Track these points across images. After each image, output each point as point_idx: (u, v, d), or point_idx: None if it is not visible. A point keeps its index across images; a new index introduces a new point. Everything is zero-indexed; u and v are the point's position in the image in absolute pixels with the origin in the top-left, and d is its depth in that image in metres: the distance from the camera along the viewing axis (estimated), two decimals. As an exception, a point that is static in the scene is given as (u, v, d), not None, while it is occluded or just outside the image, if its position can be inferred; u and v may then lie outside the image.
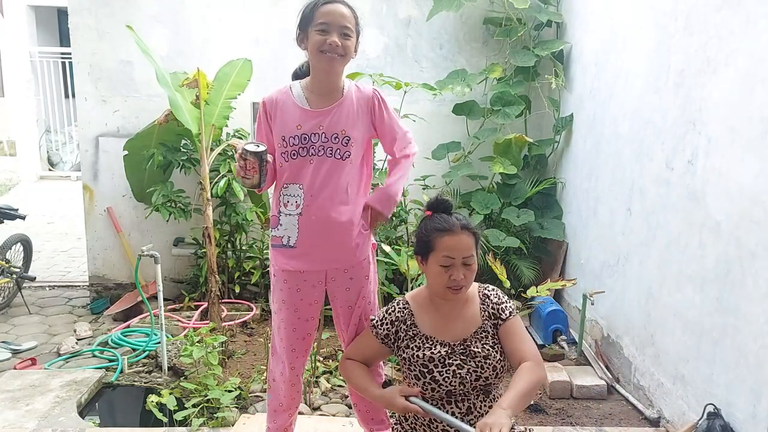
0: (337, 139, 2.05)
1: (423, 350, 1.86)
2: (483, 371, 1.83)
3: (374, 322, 1.99)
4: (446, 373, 1.82)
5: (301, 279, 2.15)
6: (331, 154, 2.05)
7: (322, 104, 2.07)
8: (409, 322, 1.92)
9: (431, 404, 1.83)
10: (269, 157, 2.03)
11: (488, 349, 1.86)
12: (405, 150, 2.19)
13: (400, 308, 1.95)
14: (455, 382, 1.82)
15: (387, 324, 1.95)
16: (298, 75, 2.20)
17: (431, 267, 1.87)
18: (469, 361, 1.84)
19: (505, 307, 1.93)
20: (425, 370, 1.84)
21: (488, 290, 1.97)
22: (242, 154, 1.96)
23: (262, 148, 1.98)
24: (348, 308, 2.20)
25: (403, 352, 1.90)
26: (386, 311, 1.97)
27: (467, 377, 1.82)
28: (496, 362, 1.85)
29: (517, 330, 1.89)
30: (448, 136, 4.49)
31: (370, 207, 2.16)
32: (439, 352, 1.85)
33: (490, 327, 1.90)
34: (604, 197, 3.64)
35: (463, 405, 1.84)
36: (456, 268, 1.82)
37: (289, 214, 2.09)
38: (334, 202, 2.07)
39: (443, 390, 1.83)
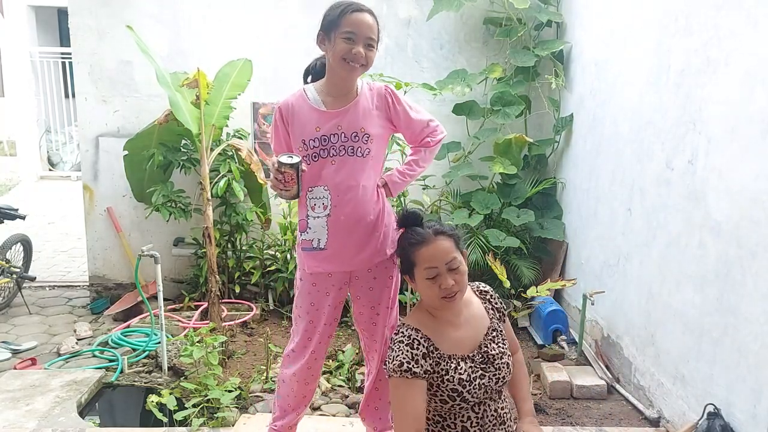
0: (357, 138, 2.06)
1: (450, 373, 1.77)
2: (500, 371, 1.82)
3: (405, 366, 1.73)
4: (474, 389, 1.77)
5: (329, 283, 2.17)
6: (352, 152, 2.07)
7: (338, 105, 2.08)
8: (432, 348, 1.79)
9: (454, 415, 1.80)
10: (303, 166, 2.03)
11: (501, 347, 1.86)
12: (426, 139, 2.24)
13: (420, 338, 1.78)
14: (481, 394, 1.79)
15: (420, 359, 1.75)
16: (309, 72, 2.22)
17: (419, 282, 1.82)
18: (489, 367, 1.81)
19: (501, 300, 1.99)
20: (455, 394, 1.76)
21: (482, 287, 1.98)
22: (279, 167, 1.97)
23: (296, 159, 1.98)
24: (371, 308, 2.23)
25: (431, 378, 1.78)
26: (408, 347, 1.76)
27: (489, 384, 1.80)
28: (508, 358, 1.86)
29: (509, 322, 1.99)
30: (448, 136, 4.43)
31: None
32: (465, 369, 1.78)
33: (497, 323, 1.92)
34: (604, 197, 3.64)
35: (480, 409, 1.82)
36: (443, 276, 1.76)
37: (318, 217, 2.10)
38: (360, 201, 2.08)
39: (470, 405, 1.79)
